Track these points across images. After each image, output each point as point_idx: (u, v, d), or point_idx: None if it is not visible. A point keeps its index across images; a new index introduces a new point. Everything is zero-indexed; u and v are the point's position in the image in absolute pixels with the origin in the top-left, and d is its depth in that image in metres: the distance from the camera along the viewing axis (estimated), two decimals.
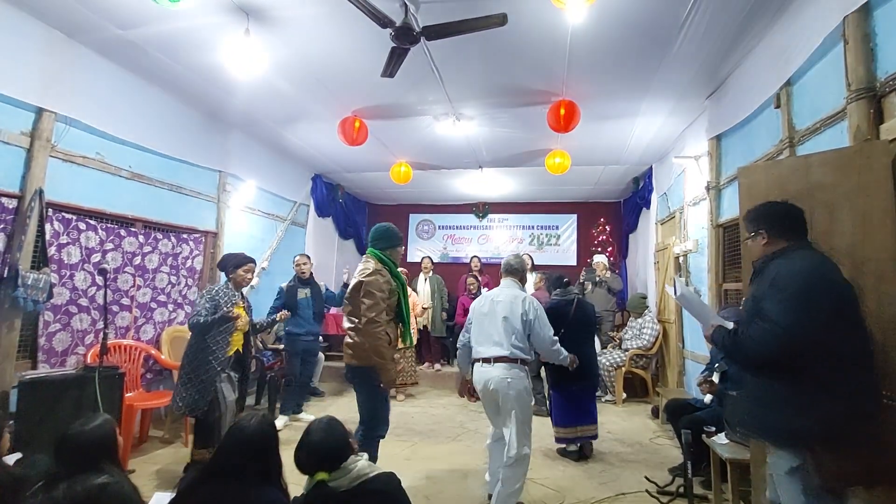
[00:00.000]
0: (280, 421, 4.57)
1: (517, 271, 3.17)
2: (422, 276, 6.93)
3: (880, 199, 2.01)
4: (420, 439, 3.45)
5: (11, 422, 2.78)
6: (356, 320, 2.89)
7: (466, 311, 6.15)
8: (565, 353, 3.13)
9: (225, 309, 3.24)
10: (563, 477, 3.51)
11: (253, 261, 3.59)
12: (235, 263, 3.50)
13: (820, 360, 1.68)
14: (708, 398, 3.41)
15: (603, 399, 5.75)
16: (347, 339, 2.94)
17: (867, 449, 1.67)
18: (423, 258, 7.23)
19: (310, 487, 1.68)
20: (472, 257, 7.51)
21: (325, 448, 1.72)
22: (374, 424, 2.91)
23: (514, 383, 2.84)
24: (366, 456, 1.81)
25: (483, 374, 2.93)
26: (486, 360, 2.93)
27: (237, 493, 1.60)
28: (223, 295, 3.35)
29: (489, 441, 3.15)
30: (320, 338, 5.29)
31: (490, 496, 2.97)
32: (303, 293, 4.83)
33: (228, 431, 1.79)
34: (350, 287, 2.98)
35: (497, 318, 2.98)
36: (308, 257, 5.07)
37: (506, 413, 2.87)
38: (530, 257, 7.19)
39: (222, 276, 3.60)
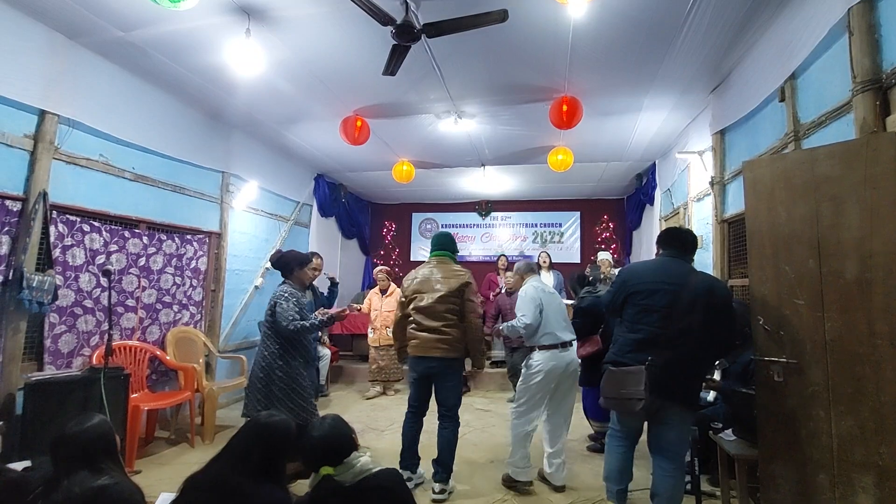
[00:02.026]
0: None
1: (534, 269, 3.66)
2: None
3: (887, 192, 1.98)
4: (426, 437, 3.44)
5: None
6: (453, 318, 3.21)
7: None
8: None
9: (327, 312, 3.20)
10: (568, 475, 3.49)
11: (313, 256, 3.46)
12: (300, 262, 3.33)
13: (616, 322, 2.74)
14: (711, 395, 3.41)
15: None
16: (439, 336, 3.17)
17: (607, 383, 2.57)
18: None
19: (315, 482, 1.70)
20: (499, 255, 7.41)
21: (329, 442, 1.75)
22: (459, 405, 3.32)
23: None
24: (368, 453, 1.82)
25: (564, 359, 3.23)
26: (565, 345, 3.26)
27: (239, 486, 1.59)
28: (299, 299, 3.18)
29: (529, 427, 3.25)
30: (326, 338, 5.14)
31: (510, 483, 3.26)
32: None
33: (246, 424, 1.80)
34: (453, 288, 3.21)
35: (558, 306, 3.39)
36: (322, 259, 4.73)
37: (567, 391, 3.30)
38: (548, 255, 7.16)
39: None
